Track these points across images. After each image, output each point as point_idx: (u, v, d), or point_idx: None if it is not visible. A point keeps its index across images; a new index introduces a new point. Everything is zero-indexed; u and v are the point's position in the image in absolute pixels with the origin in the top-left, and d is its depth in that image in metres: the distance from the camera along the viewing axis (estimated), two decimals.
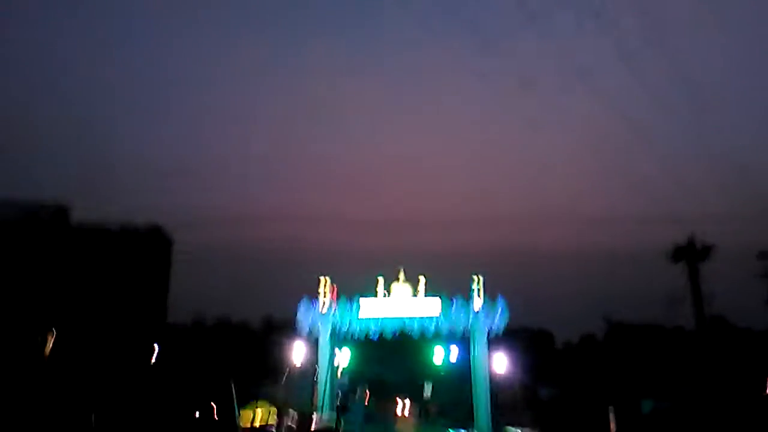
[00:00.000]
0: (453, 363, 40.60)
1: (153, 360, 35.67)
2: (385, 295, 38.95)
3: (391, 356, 42.57)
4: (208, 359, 41.10)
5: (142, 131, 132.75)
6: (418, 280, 39.49)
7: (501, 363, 36.56)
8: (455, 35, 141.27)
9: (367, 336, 38.79)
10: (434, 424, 44.35)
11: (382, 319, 38.08)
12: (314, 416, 34.75)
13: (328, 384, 37.26)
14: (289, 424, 35.72)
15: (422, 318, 37.91)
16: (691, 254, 29.01)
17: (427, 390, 53.30)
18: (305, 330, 38.78)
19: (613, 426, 30.46)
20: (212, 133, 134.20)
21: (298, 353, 41.41)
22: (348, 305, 38.58)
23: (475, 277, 38.63)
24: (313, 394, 38.65)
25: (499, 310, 37.55)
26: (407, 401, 52.28)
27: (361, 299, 38.58)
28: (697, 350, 38.85)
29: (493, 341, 38.29)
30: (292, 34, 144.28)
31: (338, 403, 37.17)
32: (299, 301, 39.05)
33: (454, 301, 38.20)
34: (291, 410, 36.81)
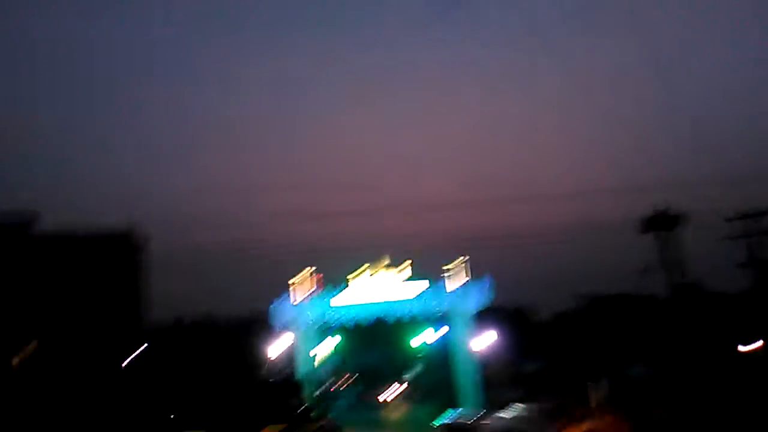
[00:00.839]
0: (437, 344, 40.83)
1: (127, 363, 35.17)
2: (370, 282, 38.98)
3: (374, 342, 42.58)
4: (187, 359, 40.75)
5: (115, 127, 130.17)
6: (402, 266, 39.61)
7: (485, 341, 36.88)
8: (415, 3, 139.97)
9: (349, 323, 38.79)
10: (422, 406, 44.52)
11: (363, 305, 38.11)
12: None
13: (308, 376, 37.24)
14: None
15: (404, 301, 38.05)
16: (661, 223, 29.32)
17: (412, 373, 53.55)
18: (280, 327, 38.68)
19: (598, 395, 31.02)
20: (188, 121, 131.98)
21: (277, 347, 41.27)
22: (328, 294, 38.51)
23: (457, 260, 38.93)
24: None
25: (481, 288, 37.89)
26: (393, 386, 52.45)
27: (344, 289, 38.51)
28: (671, 317, 39.59)
29: (475, 320, 38.65)
30: (272, 24, 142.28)
31: (317, 395, 37.12)
32: (279, 294, 38.91)
33: (437, 283, 38.45)
34: None
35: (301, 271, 39.42)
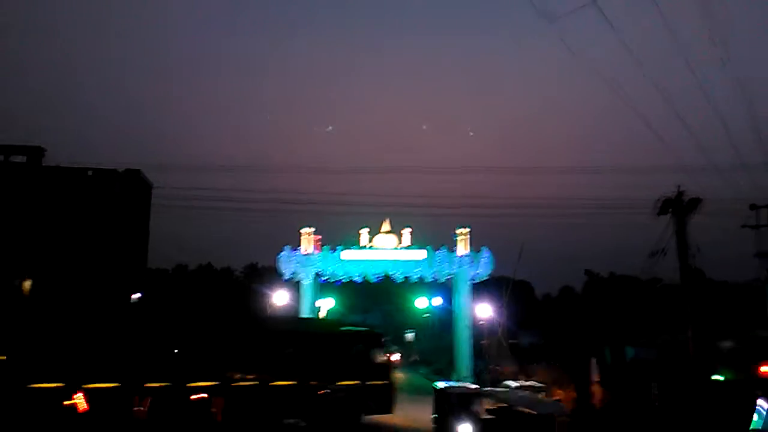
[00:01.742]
0: (435, 311, 40.75)
1: (131, 302, 35.27)
2: (369, 248, 38.65)
3: (373, 304, 42.63)
4: (190, 304, 40.81)
5: (128, 72, 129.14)
6: (403, 231, 39.24)
7: (484, 311, 36.72)
8: None
9: (350, 282, 38.59)
10: (415, 371, 44.73)
11: (365, 262, 37.85)
12: None
13: None
14: None
15: (406, 263, 37.78)
16: (678, 207, 28.65)
17: (409, 337, 53.74)
18: (287, 276, 38.54)
19: (596, 375, 30.92)
20: (202, 79, 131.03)
21: (279, 299, 41.29)
22: (331, 252, 38.31)
23: (460, 229, 38.51)
24: None
25: (484, 258, 37.58)
26: (392, 346, 52.69)
27: (344, 251, 38.21)
28: (678, 302, 39.30)
29: (476, 290, 38.47)
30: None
31: None
32: (281, 249, 38.72)
33: (439, 250, 38.10)
34: None
35: (300, 228, 39.09)
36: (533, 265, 61.87)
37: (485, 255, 37.64)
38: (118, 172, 40.13)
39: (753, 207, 24.98)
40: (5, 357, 16.48)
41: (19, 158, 39.44)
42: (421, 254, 37.94)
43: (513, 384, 23.31)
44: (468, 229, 38.36)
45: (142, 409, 17.23)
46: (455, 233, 38.39)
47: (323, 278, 38.73)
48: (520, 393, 20.32)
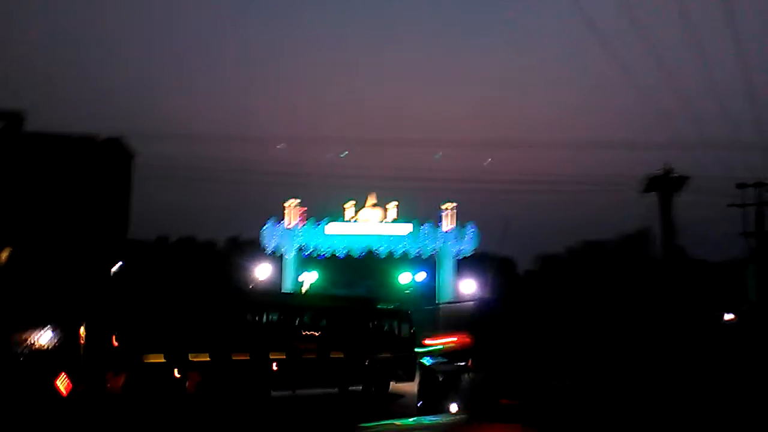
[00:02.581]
0: (419, 287, 40.76)
1: (113, 272, 34.74)
2: (354, 221, 38.43)
3: (357, 279, 42.42)
4: (171, 276, 40.37)
5: (108, 36, 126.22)
6: (388, 206, 39.08)
7: (468, 286, 36.79)
8: None
9: (333, 256, 38.43)
10: None
11: (349, 236, 37.74)
12: None
13: None
14: None
15: (390, 237, 37.72)
16: (664, 185, 28.84)
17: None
18: (270, 249, 38.27)
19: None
20: (181, 43, 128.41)
21: (262, 273, 41.01)
22: (315, 225, 38.06)
23: (446, 204, 38.42)
24: None
25: (468, 234, 37.57)
26: None
27: (328, 225, 37.99)
28: (661, 278, 39.78)
29: (459, 266, 38.51)
30: None
31: None
32: (266, 221, 38.43)
33: (424, 226, 38.01)
34: None
35: (285, 201, 38.71)
36: (515, 242, 62.15)
37: (470, 230, 37.62)
38: (99, 139, 39.24)
39: (740, 186, 25.12)
40: None
41: None
42: (406, 229, 37.86)
43: None
44: (454, 204, 38.30)
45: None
46: (441, 208, 38.31)
47: (306, 252, 38.52)
48: None
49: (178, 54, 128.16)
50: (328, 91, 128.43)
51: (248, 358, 18.69)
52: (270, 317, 20.21)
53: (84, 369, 16.24)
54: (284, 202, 38.53)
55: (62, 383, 15.85)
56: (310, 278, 37.14)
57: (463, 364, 19.26)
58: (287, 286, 37.08)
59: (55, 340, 16.58)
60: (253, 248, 43.33)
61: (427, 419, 9.75)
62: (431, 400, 17.72)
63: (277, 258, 38.95)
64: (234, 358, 18.33)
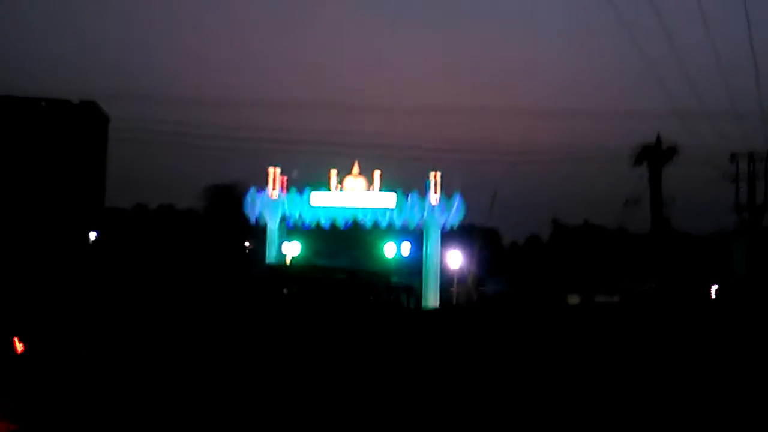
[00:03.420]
0: (405, 258, 40.11)
1: (90, 241, 33.79)
2: (338, 190, 37.53)
3: (341, 250, 41.59)
4: (150, 245, 39.41)
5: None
6: (373, 175, 38.13)
7: (455, 258, 36.25)
8: None
9: (318, 227, 37.59)
10: None
11: (333, 208, 36.88)
12: None
13: None
14: None
15: (376, 209, 36.90)
16: (655, 156, 28.24)
17: None
18: (253, 219, 37.35)
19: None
20: (159, 6, 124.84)
21: (250, 239, 40.15)
22: (298, 195, 37.12)
23: (432, 173, 37.57)
24: None
25: (455, 205, 36.82)
26: None
27: (312, 193, 37.02)
28: (643, 251, 39.55)
29: (446, 237, 37.87)
30: None
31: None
32: (248, 190, 37.42)
33: (410, 196, 37.17)
34: None
35: (267, 168, 37.64)
36: (500, 213, 61.62)
37: (457, 201, 36.88)
38: (73, 103, 37.88)
39: (733, 157, 24.54)
40: None
41: None
42: (392, 199, 37.00)
43: None
44: (439, 173, 37.45)
45: None
46: (427, 178, 37.46)
47: (290, 222, 37.65)
48: None
49: (155, 15, 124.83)
50: (308, 54, 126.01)
51: None
52: None
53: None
54: (267, 168, 37.43)
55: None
56: (293, 249, 36.32)
57: None
58: (271, 256, 36.31)
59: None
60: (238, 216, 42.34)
61: None
62: None
63: (261, 228, 38.04)
64: None
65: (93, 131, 38.42)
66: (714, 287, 37.08)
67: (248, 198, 36.94)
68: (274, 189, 36.97)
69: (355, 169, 38.40)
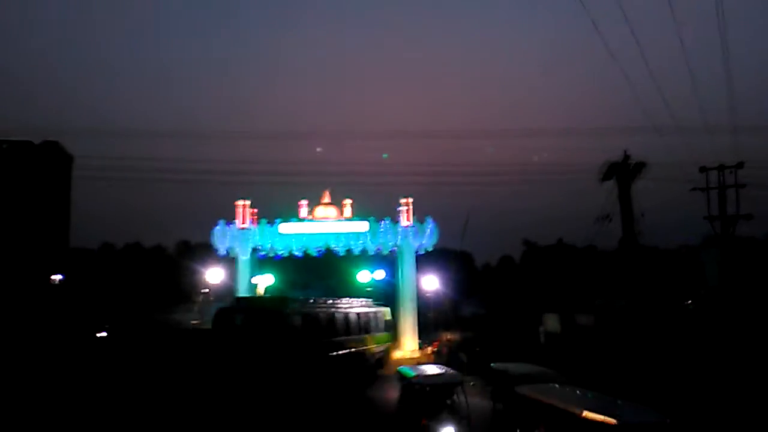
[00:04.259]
0: (379, 284, 39.77)
1: (53, 282, 32.68)
2: (310, 220, 37.16)
3: (314, 279, 41.17)
4: (115, 284, 38.33)
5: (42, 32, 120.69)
6: (343, 203, 37.91)
7: (430, 282, 36.00)
8: None
9: (290, 256, 37.08)
10: None
11: (305, 235, 36.41)
12: None
13: None
14: None
15: (348, 234, 36.57)
16: (623, 171, 28.58)
17: None
18: (222, 252, 36.68)
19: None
20: (122, 38, 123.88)
21: (214, 276, 39.37)
22: (268, 225, 36.65)
23: (403, 199, 37.53)
24: None
25: (429, 229, 36.73)
26: None
27: (282, 224, 36.58)
28: (614, 268, 39.81)
29: (420, 261, 37.69)
30: None
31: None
32: (216, 224, 36.77)
33: (382, 222, 37.00)
34: None
35: (234, 201, 37.14)
36: (472, 235, 61.97)
37: (430, 225, 36.81)
38: (35, 144, 37.00)
39: (702, 169, 24.94)
40: None
41: None
42: (364, 226, 36.80)
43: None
44: (411, 199, 37.42)
45: None
46: (399, 203, 37.38)
47: (262, 253, 37.08)
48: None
49: (110, 50, 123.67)
50: (270, 86, 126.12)
51: None
52: None
53: None
54: (235, 201, 36.92)
55: None
56: (266, 281, 35.69)
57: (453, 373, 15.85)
58: (241, 290, 35.61)
59: None
60: (206, 251, 41.63)
61: None
62: (414, 418, 14.17)
63: (231, 261, 37.37)
64: None
65: (56, 171, 37.51)
66: (688, 301, 37.39)
67: (217, 231, 36.30)
68: (243, 222, 36.46)
69: (326, 198, 38.21)
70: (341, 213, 37.53)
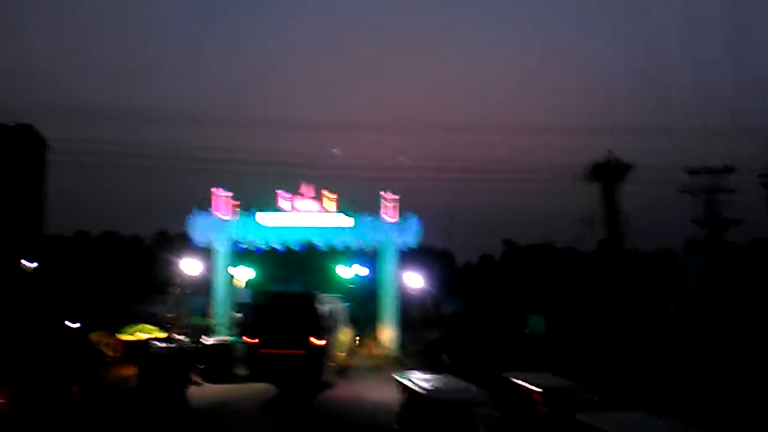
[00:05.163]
0: (361, 281, 39.33)
1: (27, 270, 31.79)
2: (290, 211, 36.39)
3: (295, 273, 40.54)
4: (89, 273, 37.44)
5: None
6: (323, 195, 37.02)
7: (413, 279, 35.60)
8: None
9: (270, 250, 36.36)
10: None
11: (286, 228, 35.61)
12: (207, 336, 31.69)
13: (226, 301, 35.01)
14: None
15: (331, 229, 35.85)
16: (608, 173, 28.55)
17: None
18: (200, 243, 35.83)
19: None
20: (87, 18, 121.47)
21: (190, 268, 38.50)
22: (248, 216, 35.80)
23: (384, 193, 36.91)
24: (207, 313, 36.22)
25: (412, 225, 36.27)
26: None
27: (259, 214, 35.62)
28: (597, 270, 39.82)
29: (403, 258, 37.25)
30: None
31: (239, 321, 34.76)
32: (193, 213, 35.85)
33: (364, 217, 36.39)
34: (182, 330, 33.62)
35: (212, 191, 36.14)
36: (453, 232, 61.49)
37: (413, 221, 36.34)
38: (8, 126, 35.94)
39: (692, 172, 24.90)
40: None
41: None
42: (347, 220, 36.14)
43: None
44: (397, 195, 36.80)
45: None
46: (383, 197, 36.76)
47: (241, 246, 36.30)
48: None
49: (83, 30, 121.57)
50: (253, 72, 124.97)
51: None
52: None
53: None
54: (211, 195, 35.84)
55: None
56: (246, 274, 35.02)
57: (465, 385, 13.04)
58: (218, 282, 34.89)
59: None
60: (183, 242, 40.77)
61: None
62: None
63: (210, 252, 36.54)
64: None
65: (29, 155, 36.44)
66: (670, 307, 37.49)
67: (193, 220, 35.35)
68: (221, 212, 35.51)
69: (305, 190, 37.19)
70: (323, 206, 36.89)
